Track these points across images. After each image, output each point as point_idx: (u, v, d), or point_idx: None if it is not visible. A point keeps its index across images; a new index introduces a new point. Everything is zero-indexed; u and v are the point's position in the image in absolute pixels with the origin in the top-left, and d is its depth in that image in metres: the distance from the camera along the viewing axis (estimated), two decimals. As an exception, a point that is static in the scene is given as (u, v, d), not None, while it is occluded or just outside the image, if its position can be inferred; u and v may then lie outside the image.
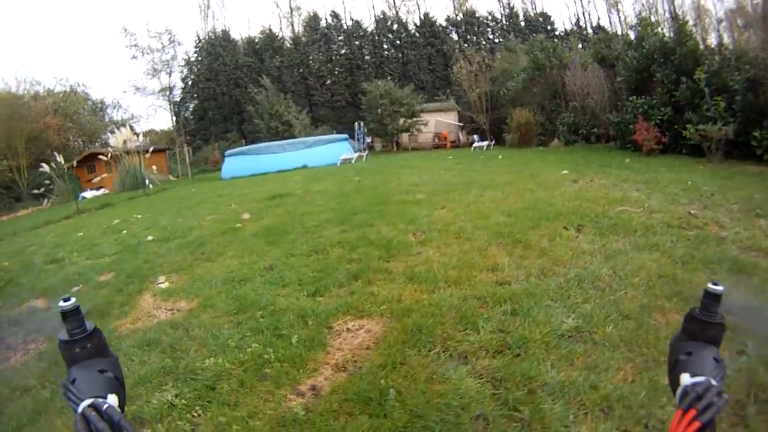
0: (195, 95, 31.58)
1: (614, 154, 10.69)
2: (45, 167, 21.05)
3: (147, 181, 18.60)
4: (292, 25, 31.95)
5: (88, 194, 21.02)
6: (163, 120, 62.21)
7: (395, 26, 30.24)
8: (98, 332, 0.85)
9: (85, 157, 22.20)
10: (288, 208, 6.56)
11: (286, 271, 3.71)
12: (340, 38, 29.17)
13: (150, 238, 5.77)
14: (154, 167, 21.28)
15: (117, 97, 37.65)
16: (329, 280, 3.38)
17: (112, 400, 0.78)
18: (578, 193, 5.74)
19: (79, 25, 53.88)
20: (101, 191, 20.68)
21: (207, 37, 30.24)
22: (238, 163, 17.34)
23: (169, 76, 33.03)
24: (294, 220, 5.63)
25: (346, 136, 19.42)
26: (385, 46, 29.66)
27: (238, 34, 31.39)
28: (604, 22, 30.63)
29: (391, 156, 17.19)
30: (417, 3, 34.44)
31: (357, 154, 16.17)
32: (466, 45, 24.08)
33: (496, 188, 6.51)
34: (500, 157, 11.51)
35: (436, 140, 22.16)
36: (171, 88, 32.91)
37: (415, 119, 21.08)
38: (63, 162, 21.45)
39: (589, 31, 28.39)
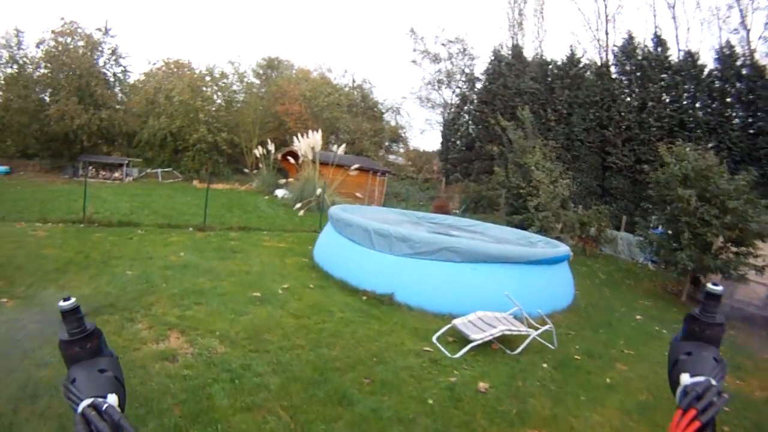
0: (467, 118, 26.63)
1: None
2: (257, 151, 19.52)
3: (297, 205, 14.45)
4: (606, 50, 23.33)
5: (280, 192, 18.30)
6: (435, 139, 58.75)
7: (744, 70, 19.08)
8: (98, 332, 0.86)
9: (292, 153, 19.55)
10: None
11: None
12: (662, 76, 19.52)
13: None
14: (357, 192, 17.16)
15: (398, 102, 34.79)
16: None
17: (112, 399, 0.78)
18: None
19: (368, 21, 54.70)
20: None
21: (497, 53, 24.57)
22: (331, 239, 8.26)
23: (453, 91, 28.75)
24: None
25: (566, 252, 7.85)
26: (729, 100, 18.92)
27: (538, 53, 24.56)
28: None
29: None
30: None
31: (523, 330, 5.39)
32: None
33: None
34: None
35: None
36: (450, 105, 28.60)
37: (746, 249, 10.04)
38: (273, 150, 19.44)
39: None
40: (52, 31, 21.15)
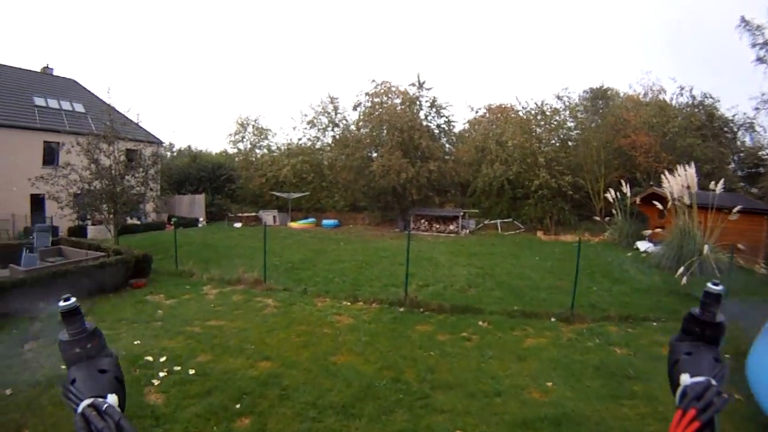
0: None
1: None
2: (609, 194, 18.23)
3: (680, 270, 11.56)
4: None
5: (643, 245, 16.73)
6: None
7: None
8: (98, 332, 0.85)
9: (655, 196, 17.64)
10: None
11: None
12: None
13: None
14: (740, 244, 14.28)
15: (749, 115, 27.85)
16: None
17: (112, 399, 0.78)
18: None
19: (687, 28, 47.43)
20: (653, 247, 15.70)
21: None
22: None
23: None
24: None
25: None
26: None
27: None
28: None
29: None
30: None
31: None
32: None
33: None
34: None
35: None
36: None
37: None
38: (629, 192, 18.01)
39: None
40: (366, 93, 23.16)
